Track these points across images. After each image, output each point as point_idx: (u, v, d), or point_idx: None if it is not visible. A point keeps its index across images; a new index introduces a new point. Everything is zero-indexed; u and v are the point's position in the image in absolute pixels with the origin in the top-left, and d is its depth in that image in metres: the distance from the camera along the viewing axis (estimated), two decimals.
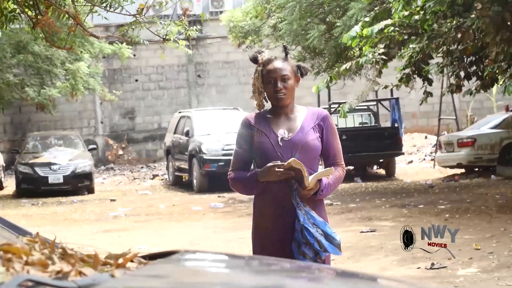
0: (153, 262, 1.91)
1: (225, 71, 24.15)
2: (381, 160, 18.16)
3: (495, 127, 16.46)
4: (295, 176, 3.58)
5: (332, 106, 17.35)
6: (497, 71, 10.37)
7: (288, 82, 3.72)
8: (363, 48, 11.14)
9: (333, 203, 12.62)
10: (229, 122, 16.99)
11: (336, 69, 11.59)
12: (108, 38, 10.67)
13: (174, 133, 18.60)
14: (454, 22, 10.73)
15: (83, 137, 20.81)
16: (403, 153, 18.59)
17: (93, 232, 11.04)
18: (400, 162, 19.79)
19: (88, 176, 17.56)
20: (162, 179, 20.37)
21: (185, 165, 17.47)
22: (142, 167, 22.95)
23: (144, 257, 1.99)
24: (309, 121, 3.77)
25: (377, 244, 8.63)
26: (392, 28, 10.73)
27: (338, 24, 13.19)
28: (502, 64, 10.02)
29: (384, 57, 10.88)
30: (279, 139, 3.72)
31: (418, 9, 10.56)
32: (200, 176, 16.55)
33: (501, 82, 10.87)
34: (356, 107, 14.34)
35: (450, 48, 11.64)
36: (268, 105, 3.86)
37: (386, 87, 12.66)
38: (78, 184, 17.43)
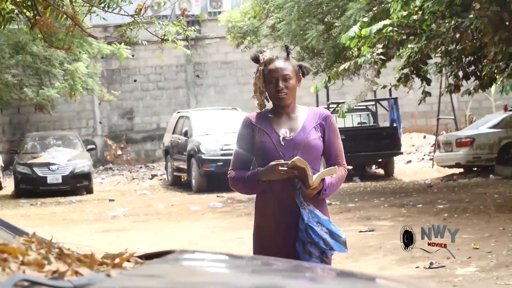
0: (150, 262, 1.91)
1: (223, 71, 24.15)
2: (379, 160, 18.17)
3: (494, 126, 16.47)
4: (298, 175, 3.57)
5: (330, 106, 17.36)
6: (495, 71, 10.37)
7: (289, 82, 3.72)
8: (362, 48, 11.14)
9: (332, 202, 12.62)
10: (227, 122, 17.00)
11: (335, 69, 11.59)
12: (106, 38, 10.68)
13: (173, 133, 18.61)
14: (453, 22, 10.73)
15: (81, 137, 20.80)
16: (401, 153, 18.60)
17: (92, 232, 11.04)
18: (398, 162, 19.80)
19: (86, 176, 17.56)
20: (160, 179, 20.37)
21: (183, 165, 17.47)
22: (140, 167, 22.95)
23: (140, 257, 1.99)
24: (310, 120, 3.76)
25: (376, 244, 8.64)
26: (390, 28, 10.72)
27: (336, 24, 13.19)
28: (501, 64, 10.02)
29: (382, 57, 10.88)
30: (281, 138, 3.71)
31: (416, 9, 10.55)
32: (199, 176, 16.55)
33: (499, 82, 10.87)
34: (355, 107, 14.35)
35: (449, 48, 11.65)
36: (269, 105, 3.85)
37: (384, 87, 12.65)
38: (76, 184, 17.43)
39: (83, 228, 11.61)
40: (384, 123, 19.79)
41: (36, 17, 7.18)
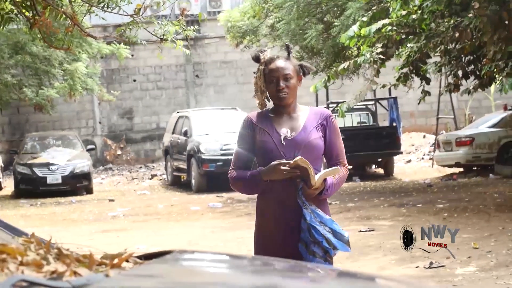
0: (148, 262, 1.90)
1: (223, 71, 24.14)
2: (379, 160, 18.17)
3: (493, 126, 16.47)
4: (300, 175, 3.57)
5: (330, 105, 17.35)
6: (495, 70, 10.37)
7: (290, 81, 3.71)
8: (361, 47, 11.14)
9: (331, 202, 12.61)
10: (227, 122, 17.01)
11: (334, 68, 11.59)
12: (105, 38, 10.67)
13: (173, 133, 18.60)
14: (452, 21, 10.74)
15: (81, 137, 20.80)
16: (401, 152, 18.60)
17: (92, 232, 11.04)
18: (398, 161, 19.80)
19: (86, 176, 17.56)
20: (160, 179, 20.37)
21: (183, 165, 17.47)
22: (140, 167, 22.95)
23: (139, 257, 1.99)
24: (312, 120, 3.75)
25: (376, 244, 8.63)
26: (390, 27, 10.73)
27: (336, 23, 13.19)
28: (500, 63, 10.02)
29: (382, 56, 10.89)
30: (282, 138, 3.70)
31: (415, 8, 10.56)
32: (199, 176, 16.55)
33: (498, 81, 10.87)
34: (354, 107, 14.35)
35: (448, 47, 11.65)
36: (270, 104, 3.85)
37: (384, 86, 12.66)
38: (76, 185, 17.43)
39: (83, 228, 11.61)
40: (383, 122, 19.79)
41: (35, 17, 7.18)
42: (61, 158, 17.58)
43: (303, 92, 16.02)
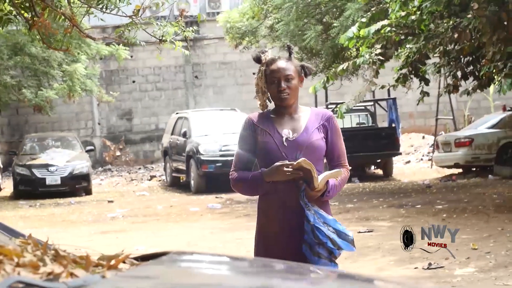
0: (145, 264, 1.90)
1: (222, 72, 24.15)
2: (378, 160, 18.17)
3: (492, 127, 16.48)
4: (303, 176, 3.55)
5: (329, 106, 17.35)
6: (493, 71, 10.37)
7: (291, 82, 3.70)
8: (360, 48, 11.14)
9: (330, 203, 12.61)
10: (226, 123, 17.01)
11: (333, 69, 11.58)
12: (104, 39, 10.68)
13: (172, 134, 18.60)
14: (451, 22, 10.73)
15: (80, 138, 20.80)
16: (400, 153, 18.61)
17: (91, 234, 11.03)
18: (397, 162, 19.80)
19: (85, 177, 17.56)
20: (159, 180, 20.36)
21: (182, 166, 17.47)
22: (139, 168, 22.94)
23: (136, 258, 1.99)
24: (313, 121, 3.74)
25: (375, 244, 8.63)
26: (389, 28, 10.72)
27: (335, 24, 13.19)
28: (499, 63, 10.02)
29: (381, 57, 10.88)
30: (284, 139, 3.69)
31: (414, 9, 10.55)
32: (198, 177, 16.54)
33: (497, 82, 10.87)
34: (354, 108, 14.35)
35: (447, 48, 11.64)
36: (271, 105, 3.84)
37: (383, 87, 12.66)
38: (75, 186, 17.43)
39: (82, 229, 11.61)
40: (382, 123, 19.79)
41: (34, 18, 7.17)
42: (60, 159, 17.57)
43: (302, 93, 15.98)
